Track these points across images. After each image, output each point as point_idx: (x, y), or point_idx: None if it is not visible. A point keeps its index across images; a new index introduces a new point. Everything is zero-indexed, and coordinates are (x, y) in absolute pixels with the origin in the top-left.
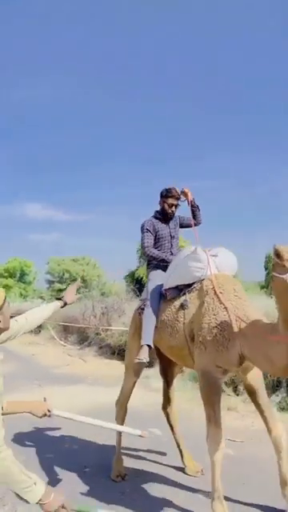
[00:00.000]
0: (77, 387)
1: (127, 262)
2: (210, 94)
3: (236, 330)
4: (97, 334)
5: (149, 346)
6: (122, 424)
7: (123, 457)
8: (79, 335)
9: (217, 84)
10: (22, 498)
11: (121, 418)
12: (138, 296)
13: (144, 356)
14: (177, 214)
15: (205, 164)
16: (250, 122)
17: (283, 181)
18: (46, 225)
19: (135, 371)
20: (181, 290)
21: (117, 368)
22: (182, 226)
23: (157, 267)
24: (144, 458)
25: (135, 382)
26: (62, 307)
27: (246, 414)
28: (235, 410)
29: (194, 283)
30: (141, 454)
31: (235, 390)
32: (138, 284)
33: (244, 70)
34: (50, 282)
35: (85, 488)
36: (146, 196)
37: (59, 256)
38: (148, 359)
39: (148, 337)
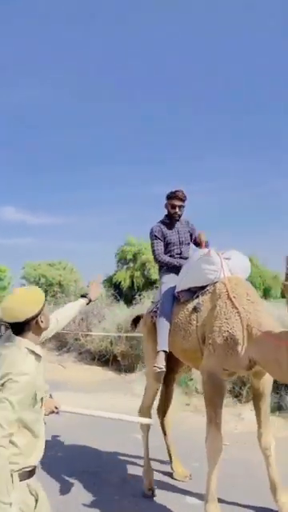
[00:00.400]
0: (57, 393)
1: (105, 267)
2: (209, 94)
3: (247, 335)
4: (76, 339)
5: (165, 351)
6: (147, 436)
7: (111, 463)
8: (58, 341)
9: (216, 84)
10: None
11: (146, 428)
12: (118, 301)
13: (161, 364)
14: (187, 219)
15: (196, 166)
16: (249, 123)
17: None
18: (21, 228)
19: (156, 378)
20: (194, 292)
21: (97, 374)
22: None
23: (169, 271)
24: (133, 464)
25: (158, 389)
26: (87, 304)
27: (229, 417)
28: None
29: (207, 286)
30: (129, 459)
31: None
32: (116, 289)
33: (243, 71)
34: None
35: (76, 493)
36: (122, 199)
37: (35, 261)
38: (165, 368)
39: (163, 342)
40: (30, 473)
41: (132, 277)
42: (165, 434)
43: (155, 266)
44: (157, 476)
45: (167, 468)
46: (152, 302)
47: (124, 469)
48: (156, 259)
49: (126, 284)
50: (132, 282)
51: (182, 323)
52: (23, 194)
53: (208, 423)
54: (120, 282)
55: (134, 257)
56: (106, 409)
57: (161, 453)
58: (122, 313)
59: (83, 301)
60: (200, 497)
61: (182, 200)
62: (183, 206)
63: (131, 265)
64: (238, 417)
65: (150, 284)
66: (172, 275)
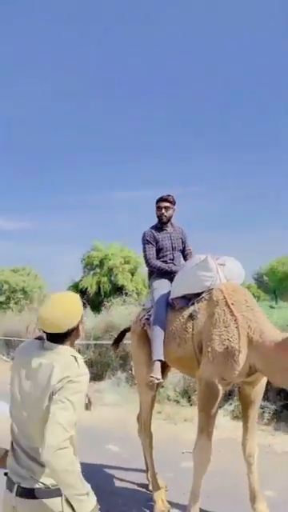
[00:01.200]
0: None
1: (71, 273)
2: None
3: (248, 342)
4: None
5: (160, 360)
6: (151, 455)
7: (94, 477)
8: None
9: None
10: (68, 504)
11: (149, 446)
12: (85, 307)
13: (158, 375)
14: (181, 226)
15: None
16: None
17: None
18: None
19: (149, 386)
20: (189, 299)
21: None
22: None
23: (161, 276)
24: (108, 476)
25: (154, 397)
26: None
27: None
28: (191, 421)
29: (202, 293)
30: (110, 471)
31: (189, 400)
32: (83, 295)
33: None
34: None
35: None
36: (89, 204)
37: None
38: (161, 379)
39: (158, 351)
40: None
41: (99, 283)
42: (150, 444)
43: (123, 272)
44: (131, 486)
45: (143, 479)
46: (143, 309)
47: (109, 482)
48: (147, 264)
49: (92, 290)
50: (99, 288)
51: (178, 331)
52: None
53: (199, 432)
54: (86, 288)
55: (101, 262)
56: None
57: (135, 462)
58: (90, 320)
59: None
60: (178, 507)
61: (170, 202)
62: (170, 208)
63: (98, 270)
64: None
65: (117, 290)
66: (164, 281)
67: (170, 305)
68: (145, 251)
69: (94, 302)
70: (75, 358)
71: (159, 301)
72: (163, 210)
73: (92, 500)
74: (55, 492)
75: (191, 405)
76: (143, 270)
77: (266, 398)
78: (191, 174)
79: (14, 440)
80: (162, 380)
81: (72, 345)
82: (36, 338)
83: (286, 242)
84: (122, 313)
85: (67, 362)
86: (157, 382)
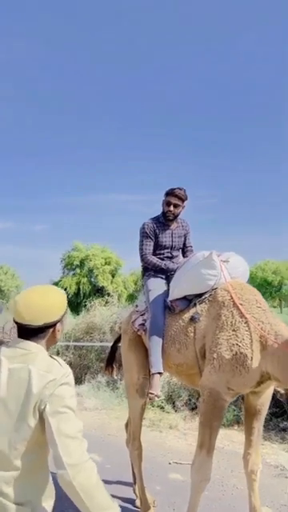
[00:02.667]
0: None
1: (50, 273)
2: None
3: (260, 347)
4: None
5: (160, 373)
6: (140, 468)
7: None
8: None
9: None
10: None
11: (137, 457)
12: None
13: (157, 391)
14: (185, 222)
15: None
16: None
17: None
18: None
19: (140, 393)
20: (189, 300)
21: None
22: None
23: (156, 276)
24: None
25: (144, 404)
26: None
27: (187, 432)
28: (176, 429)
29: (204, 293)
30: None
31: (174, 406)
32: None
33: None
34: None
35: None
36: (68, 204)
37: None
38: (161, 395)
39: (158, 362)
40: None
41: (78, 283)
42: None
43: (103, 273)
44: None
45: (129, 492)
46: (136, 310)
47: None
48: (142, 259)
49: (71, 290)
50: (78, 289)
51: (177, 335)
52: None
53: (199, 447)
54: (65, 289)
55: (82, 263)
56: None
57: (119, 473)
58: (70, 321)
59: None
60: None
61: (181, 199)
62: (181, 206)
63: (78, 271)
64: (197, 431)
65: (97, 291)
66: (159, 281)
67: (167, 307)
68: (141, 245)
69: (73, 303)
70: (51, 356)
71: (156, 304)
72: (171, 207)
73: None
74: None
75: (176, 411)
76: (124, 272)
77: None
78: (174, 179)
79: None
80: (162, 397)
81: (46, 349)
82: None
83: (265, 249)
84: (104, 314)
85: (46, 362)
86: (157, 399)
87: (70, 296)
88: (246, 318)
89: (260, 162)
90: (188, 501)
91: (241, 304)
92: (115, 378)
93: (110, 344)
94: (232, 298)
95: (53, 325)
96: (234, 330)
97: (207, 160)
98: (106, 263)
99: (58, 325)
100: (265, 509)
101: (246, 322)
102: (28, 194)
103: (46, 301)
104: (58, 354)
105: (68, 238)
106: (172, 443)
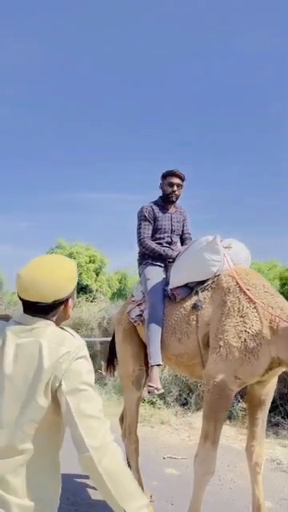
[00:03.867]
0: None
1: None
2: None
3: (271, 332)
4: None
5: (159, 365)
6: (137, 462)
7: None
8: None
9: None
10: None
11: (134, 452)
12: None
13: (158, 385)
14: (183, 209)
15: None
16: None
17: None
18: None
19: (136, 385)
20: (191, 288)
21: None
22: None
23: (153, 264)
24: (83, 486)
25: (140, 397)
26: None
27: (180, 427)
28: (168, 424)
29: (206, 280)
30: (77, 480)
31: (165, 401)
32: None
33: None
34: None
35: None
36: (54, 201)
37: None
38: (162, 389)
39: (157, 353)
40: None
41: None
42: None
43: (88, 271)
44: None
45: None
46: (133, 300)
47: (86, 493)
48: (140, 243)
49: (141, 278)
50: None
51: (178, 324)
52: None
53: (203, 439)
54: None
55: None
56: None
57: None
58: None
59: None
60: None
61: (181, 179)
62: (182, 186)
63: None
64: (189, 426)
65: (81, 289)
66: (157, 268)
67: (166, 296)
68: (139, 228)
69: None
70: (62, 328)
71: (154, 293)
72: (175, 188)
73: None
74: None
75: (167, 407)
76: (108, 270)
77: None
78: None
79: None
80: (162, 390)
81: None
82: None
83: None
84: (91, 310)
85: (58, 334)
86: (157, 392)
87: None
88: (254, 303)
89: (242, 163)
90: (185, 495)
91: (248, 289)
92: (103, 374)
93: (98, 339)
94: (238, 283)
95: (64, 301)
96: (241, 316)
97: (191, 160)
98: (90, 261)
99: (70, 300)
100: (265, 503)
101: (254, 308)
102: (13, 190)
103: (55, 275)
104: None
105: (52, 236)
106: (165, 438)
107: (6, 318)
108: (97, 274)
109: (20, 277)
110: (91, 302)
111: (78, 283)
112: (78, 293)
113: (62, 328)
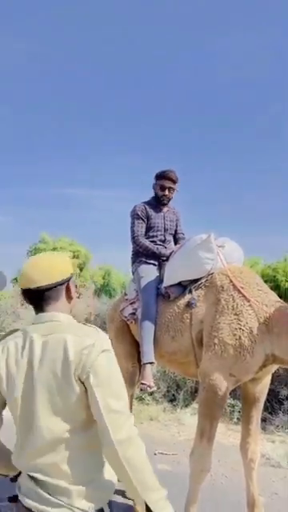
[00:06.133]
0: None
1: (17, 265)
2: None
3: (266, 330)
4: None
5: (152, 363)
6: None
7: None
8: None
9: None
10: None
11: None
12: None
13: (151, 382)
14: (176, 209)
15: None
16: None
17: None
18: None
19: (129, 382)
20: (184, 287)
21: None
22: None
23: (147, 262)
24: None
25: (132, 395)
26: None
27: (169, 423)
28: (157, 420)
29: (200, 279)
30: None
31: (154, 398)
32: None
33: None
34: None
35: None
36: (33, 195)
37: None
38: (154, 386)
39: (149, 351)
40: None
41: None
42: None
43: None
44: None
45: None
46: (126, 299)
47: None
48: (134, 241)
49: (134, 276)
50: None
51: (172, 322)
52: None
53: (199, 436)
54: None
55: None
56: None
57: None
58: None
59: None
60: None
61: (174, 182)
62: (174, 189)
63: None
64: (177, 422)
65: None
66: (151, 267)
67: (160, 295)
68: (133, 226)
69: None
70: (84, 323)
71: (148, 291)
72: (167, 192)
73: (170, 505)
74: None
75: (156, 403)
76: (92, 266)
77: (235, 395)
78: (146, 175)
79: (21, 460)
80: (155, 388)
81: (69, 313)
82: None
83: None
84: (77, 306)
85: (81, 328)
86: (150, 390)
87: None
88: (248, 301)
89: (221, 161)
90: (178, 490)
91: (242, 287)
92: None
93: None
94: (232, 281)
95: (64, 282)
96: (236, 314)
97: (176, 159)
98: (74, 256)
99: (71, 284)
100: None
101: (249, 305)
102: None
103: (53, 260)
104: None
105: (32, 231)
106: (155, 434)
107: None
108: (81, 270)
109: (22, 270)
110: (77, 298)
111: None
112: None
113: (85, 324)
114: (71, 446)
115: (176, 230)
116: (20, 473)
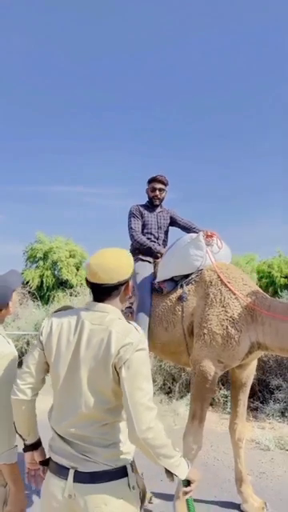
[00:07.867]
0: None
1: (12, 265)
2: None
3: (252, 320)
4: None
5: None
6: None
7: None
8: None
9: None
10: (168, 474)
11: None
12: (34, 301)
13: None
14: (168, 206)
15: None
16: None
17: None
18: None
19: None
20: (176, 282)
21: None
22: (175, 224)
23: (143, 260)
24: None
25: None
26: None
27: (165, 413)
28: None
29: (190, 274)
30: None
31: None
32: (25, 288)
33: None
34: None
35: None
36: (28, 193)
37: None
38: None
39: None
40: None
41: (42, 276)
42: None
43: (68, 266)
44: None
45: None
46: None
47: None
48: (132, 237)
49: (34, 283)
50: (41, 282)
51: (165, 315)
52: None
53: (191, 418)
54: (28, 282)
55: (45, 255)
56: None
57: None
58: (40, 312)
59: None
60: (162, 496)
61: (164, 183)
62: (164, 190)
63: (41, 263)
64: (173, 412)
65: (61, 284)
66: (146, 264)
67: (154, 289)
68: (130, 223)
69: (35, 296)
70: (128, 322)
71: (143, 286)
72: (157, 192)
73: (184, 459)
74: (120, 472)
75: (153, 395)
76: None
77: (228, 387)
78: (141, 174)
79: (58, 426)
80: None
81: (121, 306)
82: (58, 310)
83: (227, 243)
84: (76, 305)
85: (124, 326)
86: None
87: (32, 289)
88: (234, 295)
89: (209, 157)
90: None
91: (228, 282)
92: None
93: None
94: (219, 276)
95: (125, 282)
96: (223, 306)
97: (174, 159)
98: (70, 256)
99: (130, 282)
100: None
101: (235, 298)
102: None
103: (118, 261)
104: (28, 344)
105: (28, 230)
106: None
107: (69, 308)
108: (77, 269)
109: (90, 264)
110: (75, 296)
111: (58, 278)
112: (58, 288)
113: (129, 322)
114: (101, 422)
115: (178, 223)
116: (49, 459)
